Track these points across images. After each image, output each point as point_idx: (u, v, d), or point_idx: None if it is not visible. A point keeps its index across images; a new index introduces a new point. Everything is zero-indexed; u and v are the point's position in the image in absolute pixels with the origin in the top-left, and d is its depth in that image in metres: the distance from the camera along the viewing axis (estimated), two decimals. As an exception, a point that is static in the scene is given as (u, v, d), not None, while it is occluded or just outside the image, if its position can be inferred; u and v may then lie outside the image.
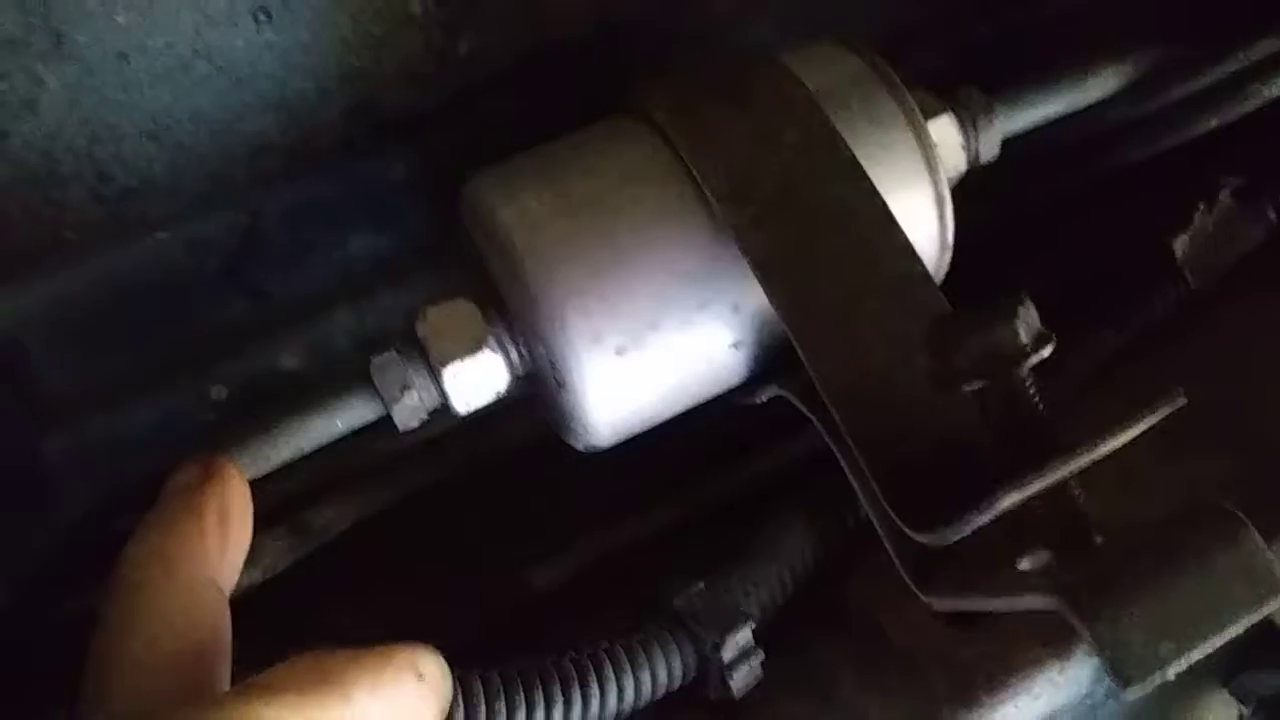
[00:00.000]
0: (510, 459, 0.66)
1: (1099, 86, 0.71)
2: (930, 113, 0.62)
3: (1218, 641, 0.44)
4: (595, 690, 0.54)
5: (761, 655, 0.58)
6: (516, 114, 0.67)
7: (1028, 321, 0.48)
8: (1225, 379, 0.67)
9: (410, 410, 0.56)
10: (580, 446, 0.60)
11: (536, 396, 0.59)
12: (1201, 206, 0.72)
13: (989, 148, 0.64)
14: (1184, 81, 0.71)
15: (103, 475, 0.60)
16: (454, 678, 0.47)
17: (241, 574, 0.50)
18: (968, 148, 0.64)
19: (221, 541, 0.48)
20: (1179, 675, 0.43)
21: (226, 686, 0.45)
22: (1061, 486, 0.48)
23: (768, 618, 0.59)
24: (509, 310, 0.57)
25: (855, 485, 0.54)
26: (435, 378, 0.56)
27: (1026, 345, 0.48)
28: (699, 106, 0.59)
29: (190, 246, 0.64)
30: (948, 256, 0.63)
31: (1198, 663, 0.43)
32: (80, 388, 0.63)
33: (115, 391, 0.63)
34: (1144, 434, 0.46)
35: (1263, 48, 0.71)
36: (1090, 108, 0.71)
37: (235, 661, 0.46)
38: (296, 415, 0.56)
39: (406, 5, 0.63)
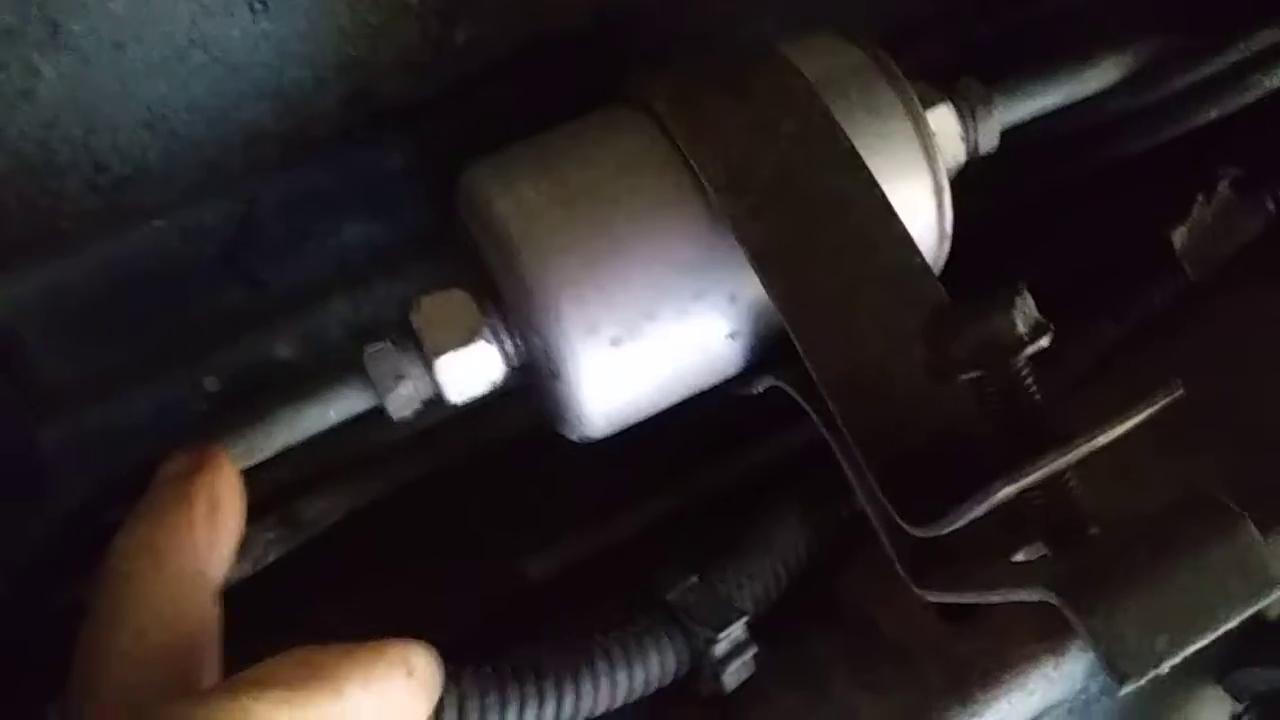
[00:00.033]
0: (504, 449, 0.66)
1: (1098, 77, 0.71)
2: (929, 103, 0.62)
3: (1212, 636, 0.43)
4: (587, 685, 0.54)
5: (755, 650, 0.57)
6: (513, 103, 0.67)
7: (1025, 311, 0.48)
8: (1223, 371, 0.66)
9: (404, 400, 0.55)
10: (574, 437, 0.59)
11: (531, 387, 0.59)
12: (1200, 198, 0.72)
13: (988, 138, 0.64)
14: (1184, 72, 0.71)
15: (98, 465, 0.60)
16: (444, 672, 0.47)
17: (232, 565, 0.50)
18: (966, 138, 0.64)
19: (211, 532, 0.48)
20: (1172, 670, 0.43)
21: (215, 680, 0.45)
22: (1058, 478, 0.48)
23: (761, 611, 0.59)
24: (504, 300, 0.57)
25: (851, 477, 0.54)
26: (429, 368, 0.55)
27: (1024, 335, 0.48)
28: (697, 96, 0.58)
29: (186, 235, 0.64)
30: (946, 247, 0.63)
31: (1191, 658, 0.43)
32: (76, 377, 0.63)
33: (111, 381, 0.63)
34: (1141, 425, 0.46)
35: (1263, 38, 0.71)
36: (1089, 98, 0.70)
37: (226, 654, 0.46)
38: (290, 405, 0.56)
39: (403, -6, 0.62)
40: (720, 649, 0.56)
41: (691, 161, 0.57)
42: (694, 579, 0.58)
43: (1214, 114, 0.71)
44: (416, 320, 0.56)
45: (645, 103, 0.59)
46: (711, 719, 0.58)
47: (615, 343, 0.55)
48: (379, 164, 0.67)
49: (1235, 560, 0.44)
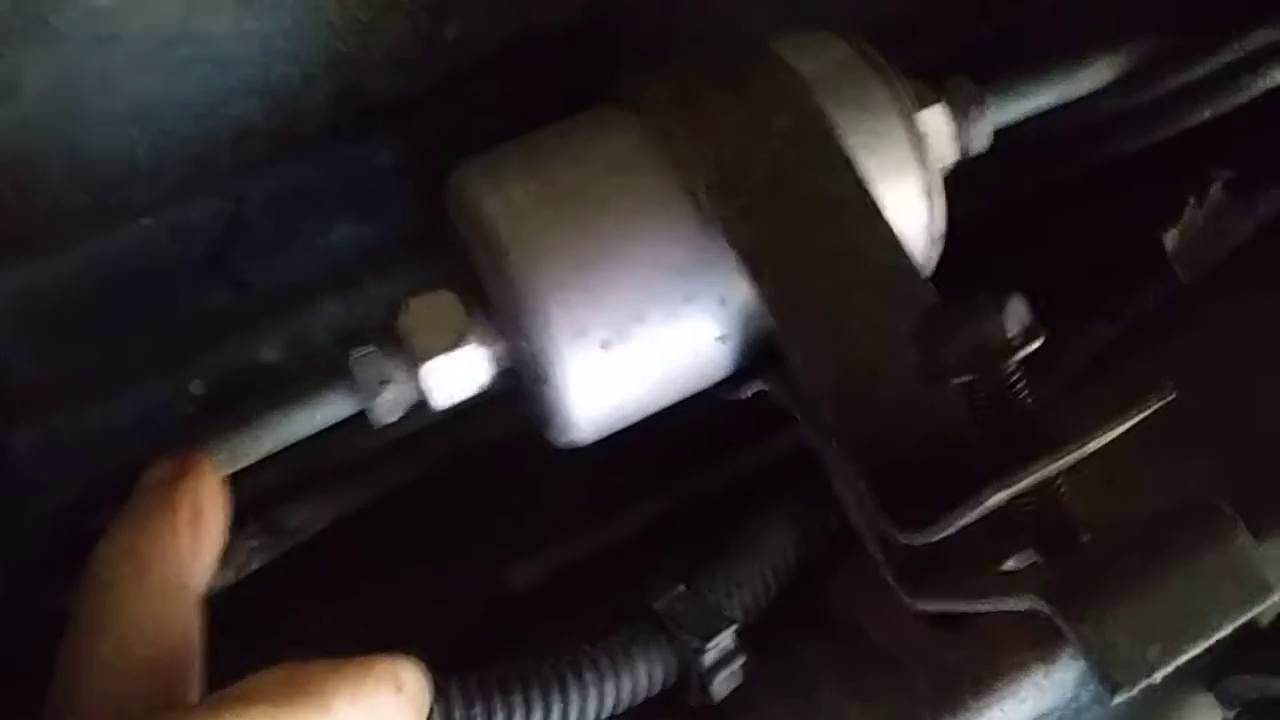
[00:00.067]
0: (491, 453, 0.66)
1: (1091, 77, 0.70)
2: (921, 102, 0.62)
3: (1205, 643, 0.43)
4: (575, 696, 0.54)
5: (744, 659, 0.57)
6: (504, 100, 0.66)
7: (1017, 314, 0.48)
8: (1214, 374, 0.66)
9: (389, 405, 0.55)
10: (561, 442, 0.59)
11: (518, 391, 0.59)
12: (1192, 200, 0.72)
13: (980, 138, 0.64)
14: (1177, 72, 0.71)
15: (81, 468, 0.60)
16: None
17: (215, 573, 0.49)
18: (959, 138, 0.63)
19: (194, 540, 0.48)
20: (1164, 678, 0.42)
21: (197, 692, 0.45)
22: (1049, 484, 0.48)
23: (750, 620, 0.59)
24: (492, 302, 0.56)
25: (839, 483, 0.53)
26: (415, 372, 0.55)
27: (1016, 338, 0.47)
28: (688, 96, 0.58)
29: (174, 233, 0.64)
30: (938, 248, 0.62)
31: (1183, 665, 0.43)
32: (57, 379, 0.62)
33: (95, 383, 0.62)
34: (1131, 430, 0.46)
35: (1257, 38, 0.71)
36: (1082, 98, 0.70)
37: (209, 665, 0.46)
38: (276, 410, 0.55)
39: (393, -11, 0.62)
40: (709, 658, 0.56)
41: (682, 162, 0.56)
42: (681, 587, 0.58)
43: (1207, 114, 0.71)
44: (403, 323, 0.55)
45: (635, 102, 0.58)
46: (699, 728, 0.58)
47: (604, 346, 0.55)
48: (368, 161, 0.67)
49: (1228, 566, 0.44)
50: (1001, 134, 0.65)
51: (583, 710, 0.54)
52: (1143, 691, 0.42)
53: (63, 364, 0.62)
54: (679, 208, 0.56)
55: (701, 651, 0.56)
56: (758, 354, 0.58)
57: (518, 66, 0.67)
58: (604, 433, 0.58)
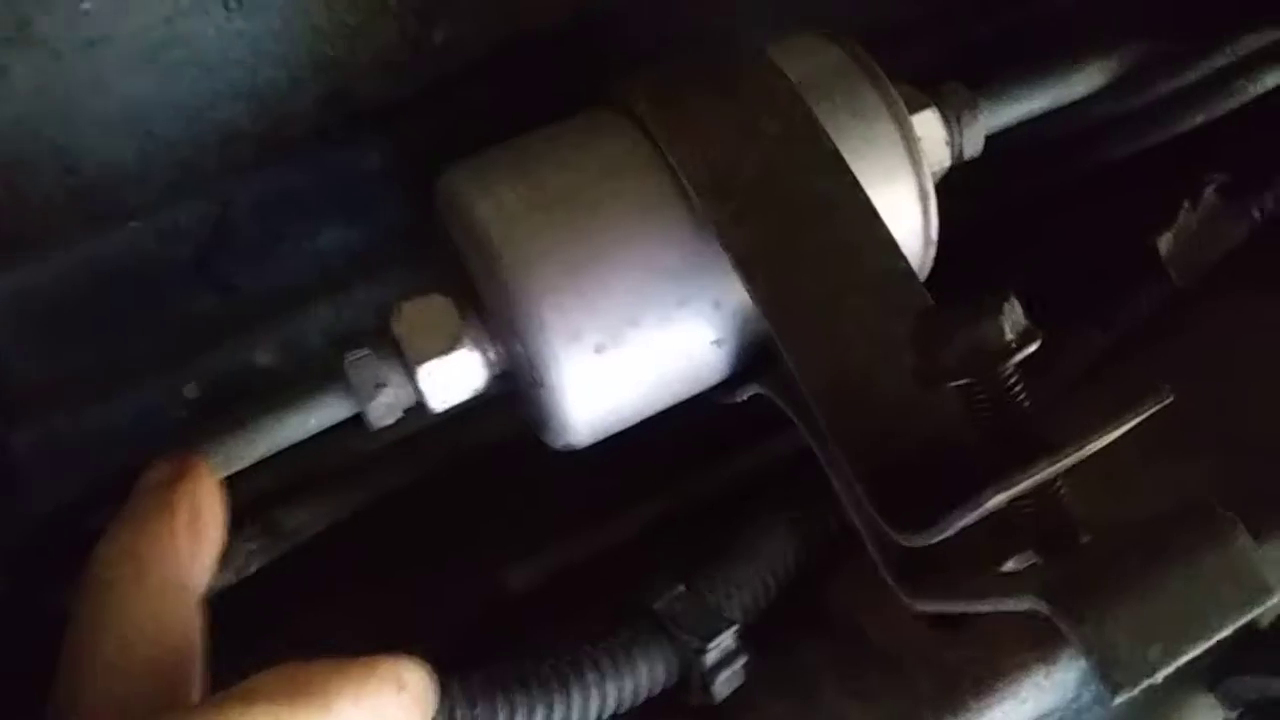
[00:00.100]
0: (487, 456, 0.65)
1: (1084, 82, 0.70)
2: (914, 107, 0.62)
3: (1206, 644, 0.43)
4: (577, 696, 0.53)
5: (745, 659, 0.57)
6: (492, 104, 0.66)
7: (1013, 318, 0.48)
8: (1210, 377, 0.66)
9: (385, 408, 0.55)
10: (558, 445, 0.59)
11: (514, 394, 0.58)
12: (1186, 204, 0.72)
13: (973, 143, 0.64)
14: (1170, 77, 0.71)
15: (78, 469, 0.60)
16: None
17: (214, 574, 0.49)
18: (951, 142, 0.63)
19: (193, 541, 0.48)
20: (1165, 678, 0.42)
21: (200, 692, 0.45)
22: (1048, 486, 0.48)
23: (750, 620, 0.59)
24: (485, 306, 0.56)
25: (837, 485, 0.53)
26: (410, 375, 0.54)
27: (1012, 341, 0.47)
28: (679, 98, 0.58)
29: (162, 236, 0.64)
30: (931, 252, 0.62)
31: (1183, 666, 0.43)
32: (51, 381, 0.62)
33: (89, 386, 0.62)
34: (1129, 432, 0.46)
35: (1249, 43, 0.71)
36: (1075, 103, 0.70)
37: (210, 665, 0.46)
38: (271, 413, 0.55)
39: (381, -7, 0.62)
40: (710, 658, 0.56)
41: (674, 165, 0.56)
42: (681, 588, 0.58)
43: (1200, 119, 0.71)
44: (397, 327, 0.55)
45: (626, 105, 0.58)
46: (700, 728, 0.58)
47: (599, 350, 0.54)
48: (356, 164, 0.67)
49: (1228, 567, 0.44)
50: (995, 138, 0.65)
51: (585, 710, 0.54)
52: (1143, 691, 0.42)
53: (61, 364, 0.62)
54: (672, 211, 0.56)
55: (703, 651, 0.56)
56: (753, 357, 0.58)
57: (506, 70, 0.67)
58: (600, 436, 0.58)
